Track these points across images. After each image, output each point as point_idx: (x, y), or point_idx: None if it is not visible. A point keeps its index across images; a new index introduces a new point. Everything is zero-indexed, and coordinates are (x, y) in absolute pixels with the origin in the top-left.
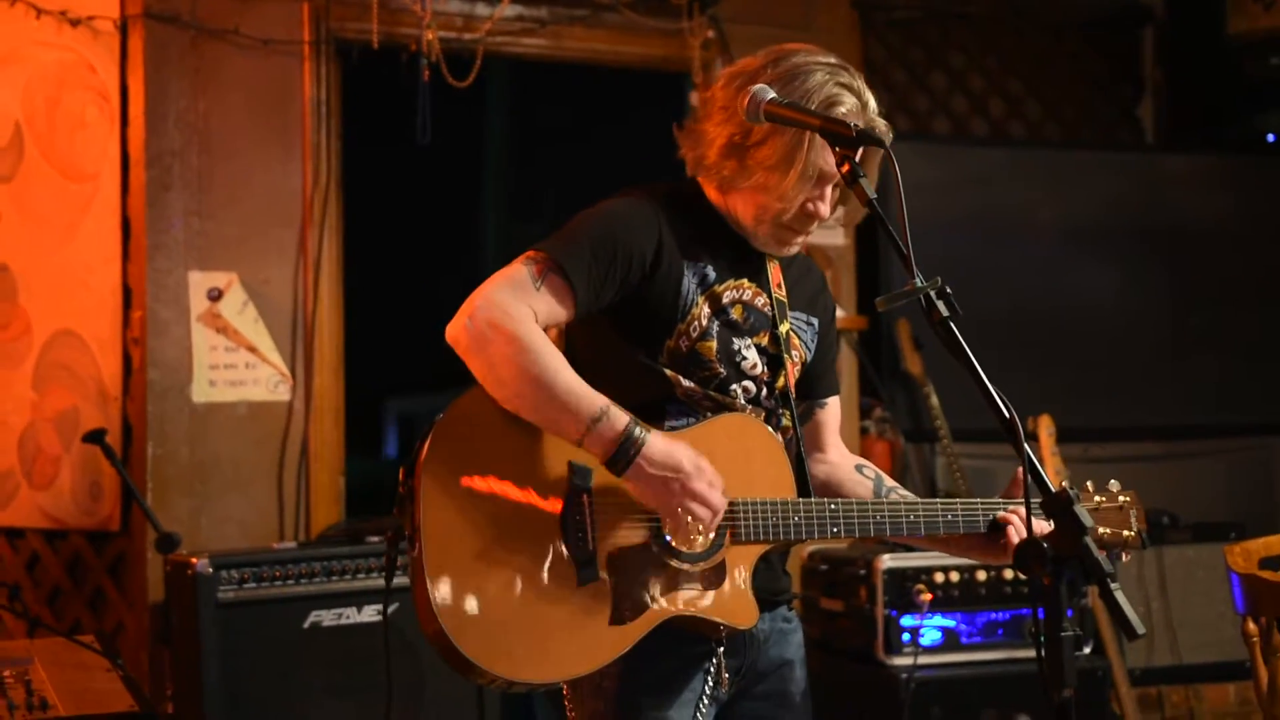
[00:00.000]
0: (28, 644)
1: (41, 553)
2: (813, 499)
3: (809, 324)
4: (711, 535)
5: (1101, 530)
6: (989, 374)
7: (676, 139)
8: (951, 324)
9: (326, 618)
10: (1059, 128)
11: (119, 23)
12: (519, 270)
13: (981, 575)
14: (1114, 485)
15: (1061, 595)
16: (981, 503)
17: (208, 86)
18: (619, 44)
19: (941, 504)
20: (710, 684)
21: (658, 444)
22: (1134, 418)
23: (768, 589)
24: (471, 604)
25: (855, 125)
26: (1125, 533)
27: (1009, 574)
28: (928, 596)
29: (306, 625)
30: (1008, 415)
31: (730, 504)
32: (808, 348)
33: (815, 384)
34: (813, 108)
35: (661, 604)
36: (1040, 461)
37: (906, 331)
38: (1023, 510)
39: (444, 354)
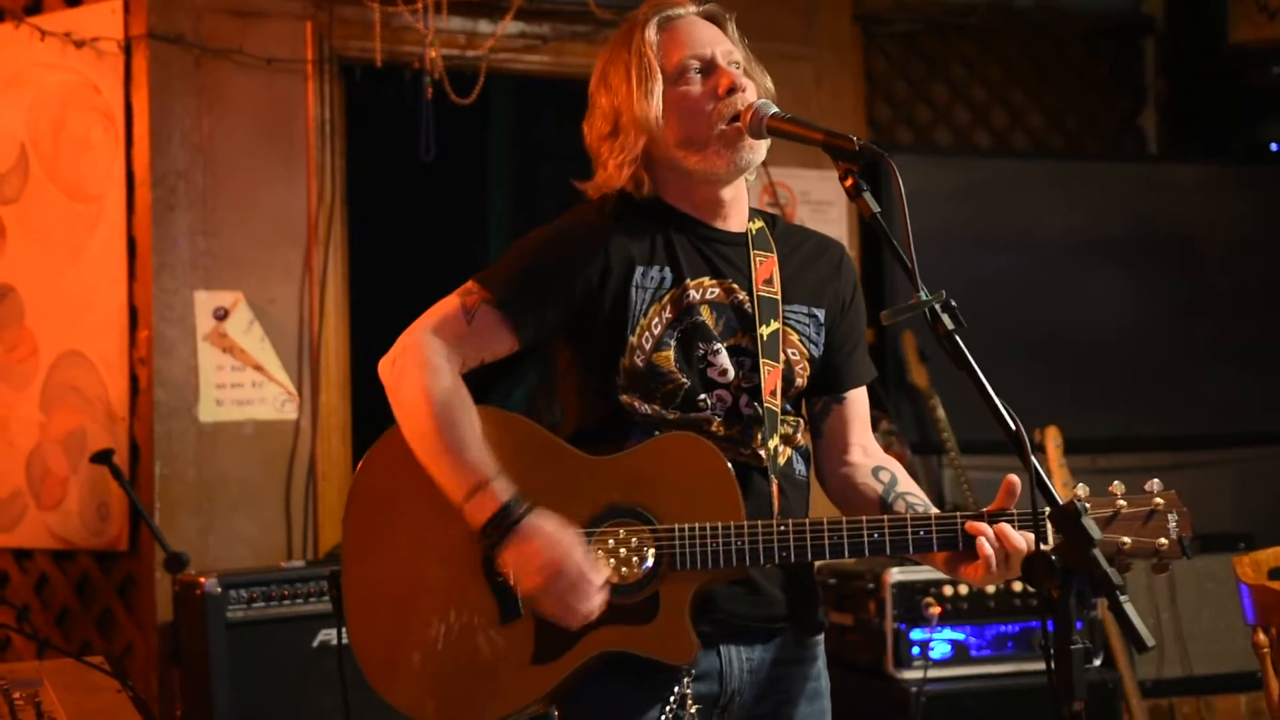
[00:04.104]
0: (37, 665)
1: (50, 574)
2: (759, 521)
3: (811, 316)
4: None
5: (1123, 539)
6: (995, 386)
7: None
8: (957, 337)
9: (336, 636)
10: (1062, 138)
11: (123, 44)
12: (453, 305)
13: (990, 588)
14: (1153, 485)
15: (1070, 608)
16: (960, 516)
17: (212, 106)
18: None
19: (913, 521)
20: (672, 711)
21: (538, 530)
22: (1141, 428)
23: (750, 615)
24: (394, 654)
25: (857, 139)
26: (1159, 541)
27: (1018, 586)
28: (937, 610)
29: (316, 644)
30: (1014, 428)
31: (665, 529)
32: (811, 343)
33: (835, 377)
34: (666, 59)
35: (587, 640)
36: (1047, 474)
37: (912, 344)
38: (1006, 528)
39: None
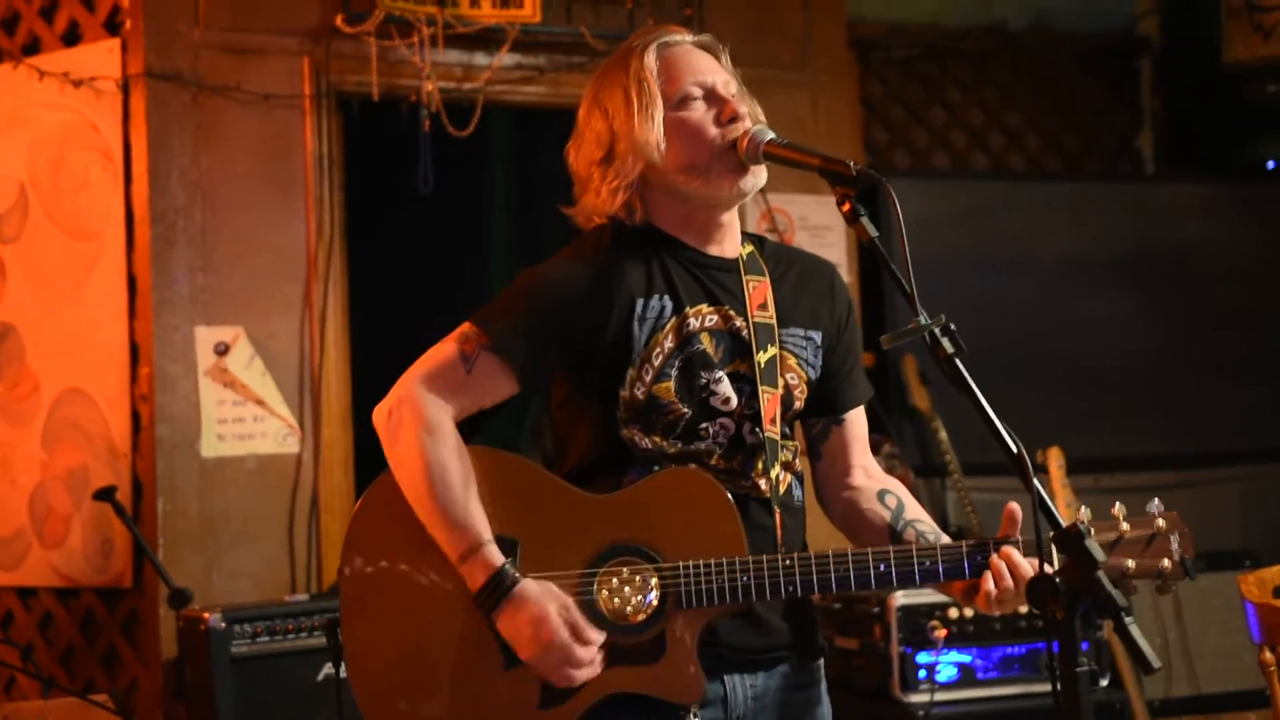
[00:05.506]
0: (41, 705)
1: (54, 612)
2: (764, 556)
3: (808, 339)
4: (651, 601)
5: (1127, 563)
6: (996, 407)
7: (578, 225)
8: (956, 361)
9: (341, 670)
10: (1059, 160)
11: (121, 82)
12: (450, 353)
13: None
14: (1154, 507)
15: (1076, 629)
16: (966, 546)
17: (210, 143)
18: None
19: (919, 551)
20: None
21: (524, 602)
22: (1144, 447)
23: (751, 647)
24: (397, 702)
25: (853, 164)
26: (1162, 562)
27: (1024, 608)
28: (942, 632)
29: (320, 678)
30: (1015, 450)
31: (670, 567)
32: (809, 366)
33: (833, 398)
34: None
35: (595, 683)
36: (1050, 495)
37: (913, 367)
38: (1014, 555)
39: None
